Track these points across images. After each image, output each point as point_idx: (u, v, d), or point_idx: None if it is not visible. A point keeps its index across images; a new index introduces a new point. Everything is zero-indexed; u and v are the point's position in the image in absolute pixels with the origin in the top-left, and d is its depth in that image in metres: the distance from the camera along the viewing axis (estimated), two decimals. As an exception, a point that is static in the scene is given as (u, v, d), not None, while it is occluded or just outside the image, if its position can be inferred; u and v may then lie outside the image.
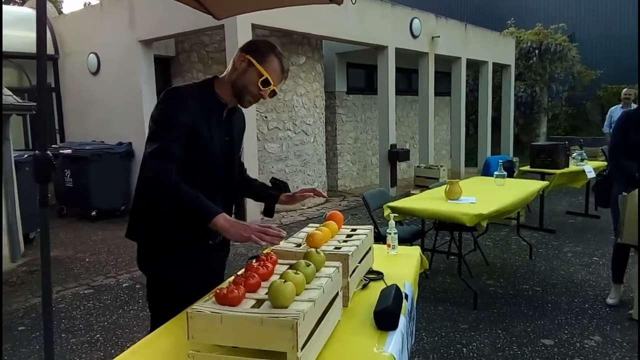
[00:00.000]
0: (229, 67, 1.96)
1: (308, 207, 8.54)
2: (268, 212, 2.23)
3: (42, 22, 1.96)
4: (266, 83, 1.89)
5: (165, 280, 1.93)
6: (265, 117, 7.95)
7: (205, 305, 1.32)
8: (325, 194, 2.21)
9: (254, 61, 1.88)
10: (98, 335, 3.75)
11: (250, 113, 6.94)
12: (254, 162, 7.05)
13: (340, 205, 8.89)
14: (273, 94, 1.95)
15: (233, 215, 2.07)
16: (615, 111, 8.03)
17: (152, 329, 1.91)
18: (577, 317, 3.85)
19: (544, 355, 3.29)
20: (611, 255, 4.20)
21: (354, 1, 3.88)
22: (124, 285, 4.84)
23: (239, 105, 2.02)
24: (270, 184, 2.27)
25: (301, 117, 8.42)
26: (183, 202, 1.73)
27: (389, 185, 9.30)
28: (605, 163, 7.15)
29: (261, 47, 1.94)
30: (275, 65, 1.92)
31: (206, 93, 1.91)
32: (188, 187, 1.75)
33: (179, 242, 1.88)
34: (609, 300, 4.09)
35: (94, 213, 7.51)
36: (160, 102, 1.84)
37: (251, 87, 1.90)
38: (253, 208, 6.73)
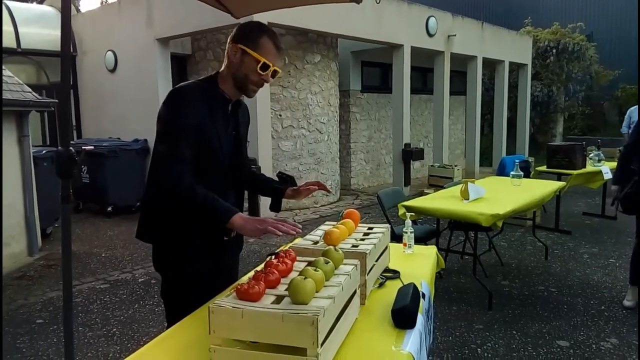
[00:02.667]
0: (225, 60, 1.93)
1: (322, 205, 8.55)
2: (275, 206, 2.24)
3: (66, 23, 1.99)
4: (265, 67, 1.86)
5: (181, 278, 1.92)
6: (280, 115, 7.97)
7: (227, 301, 1.33)
8: (329, 188, 2.19)
9: (247, 49, 1.85)
10: (114, 329, 3.80)
11: (264, 111, 6.97)
12: (268, 160, 7.08)
13: (353, 203, 8.89)
14: (275, 73, 1.92)
15: (246, 212, 2.09)
16: (634, 112, 7.91)
17: (168, 326, 1.91)
18: (593, 319, 3.81)
19: (560, 356, 3.26)
20: (629, 257, 4.15)
21: (378, 1, 3.86)
22: (139, 280, 4.90)
23: (244, 96, 2.00)
24: (277, 178, 2.27)
25: (315, 116, 8.43)
26: (199, 204, 1.73)
27: (402, 184, 9.28)
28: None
29: (250, 31, 1.89)
30: (269, 47, 1.88)
31: (211, 90, 1.90)
32: (202, 187, 1.75)
33: (194, 240, 1.88)
34: (626, 303, 4.04)
35: (110, 209, 7.60)
36: (166, 103, 1.82)
37: (252, 75, 1.87)
38: (267, 204, 6.75)
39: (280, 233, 1.68)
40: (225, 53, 1.93)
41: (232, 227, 1.74)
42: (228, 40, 1.91)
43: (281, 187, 2.20)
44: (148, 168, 1.95)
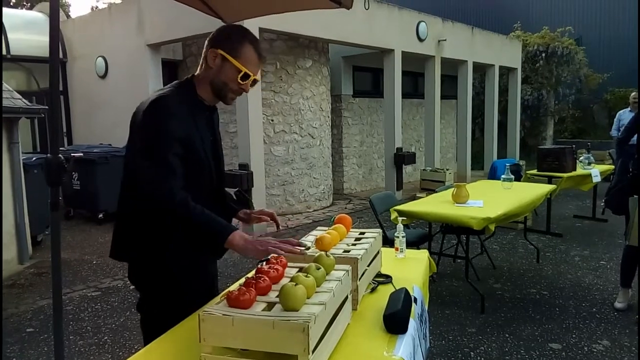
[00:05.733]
0: (201, 63, 1.81)
1: (314, 210, 8.55)
2: None
3: (55, 29, 1.98)
4: (246, 76, 1.77)
5: (162, 294, 1.82)
6: (272, 121, 7.97)
7: (217, 308, 1.33)
8: (280, 223, 2.11)
9: (228, 56, 1.74)
10: (106, 338, 3.77)
11: (256, 116, 6.97)
12: (260, 166, 7.07)
13: (346, 208, 8.90)
14: (254, 82, 1.83)
15: (239, 224, 2.02)
16: (624, 115, 7.97)
17: (144, 338, 1.84)
18: (585, 321, 3.83)
19: (552, 359, 3.27)
20: (619, 259, 4.18)
21: (367, 7, 3.86)
22: (131, 287, 4.85)
23: (221, 102, 1.89)
24: (235, 197, 2.13)
25: (307, 121, 8.44)
26: (195, 222, 1.64)
27: (394, 188, 9.30)
28: (613, 167, 7.13)
29: (231, 36, 1.78)
30: (250, 54, 1.77)
31: (190, 97, 1.79)
32: (196, 205, 1.65)
33: (181, 258, 1.78)
34: (617, 305, 4.07)
35: (101, 215, 7.55)
36: (149, 115, 1.68)
37: (231, 83, 1.77)
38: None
39: (283, 253, 1.62)
40: (203, 56, 1.81)
41: (230, 246, 1.64)
42: (206, 42, 1.80)
43: (235, 207, 2.06)
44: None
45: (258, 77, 1.84)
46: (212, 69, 1.78)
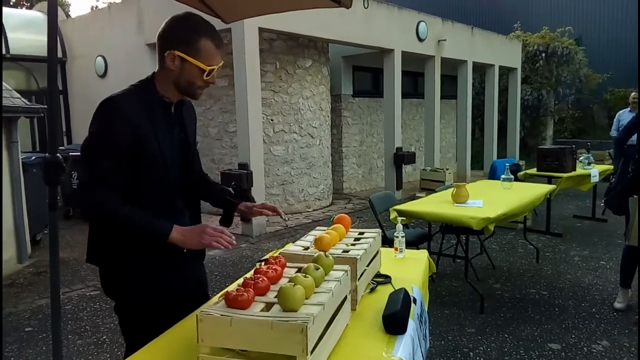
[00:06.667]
0: (158, 61, 1.75)
1: (314, 210, 8.55)
2: (225, 220, 2.01)
3: (53, 27, 1.97)
4: (211, 72, 1.71)
5: (139, 299, 1.77)
6: (271, 120, 7.97)
7: (215, 308, 1.32)
8: (284, 216, 2.06)
9: (185, 56, 1.67)
10: (104, 337, 3.76)
11: (256, 116, 6.97)
12: (260, 165, 7.06)
13: (345, 208, 8.89)
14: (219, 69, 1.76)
15: (218, 218, 1.98)
16: (623, 115, 7.97)
17: (128, 349, 1.79)
18: (585, 322, 3.83)
19: (552, 359, 3.27)
20: (619, 259, 4.18)
21: (366, 5, 3.84)
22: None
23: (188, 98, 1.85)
24: (232, 191, 2.08)
25: (307, 120, 8.43)
26: (130, 227, 1.64)
27: (394, 188, 9.29)
28: (612, 167, 7.13)
29: (184, 33, 1.69)
30: (209, 48, 1.69)
31: (147, 95, 1.73)
32: (130, 210, 1.63)
33: (147, 258, 1.73)
34: (617, 305, 4.06)
35: (100, 215, 7.54)
36: (95, 118, 1.64)
37: (197, 81, 1.72)
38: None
39: (222, 247, 1.63)
40: (157, 53, 1.75)
41: (172, 242, 1.64)
42: (157, 39, 1.73)
43: (233, 201, 2.01)
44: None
45: (220, 65, 1.75)
46: (173, 71, 1.71)
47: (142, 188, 1.71)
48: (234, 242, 1.67)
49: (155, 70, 1.78)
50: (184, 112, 1.89)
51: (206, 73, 1.70)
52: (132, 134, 1.63)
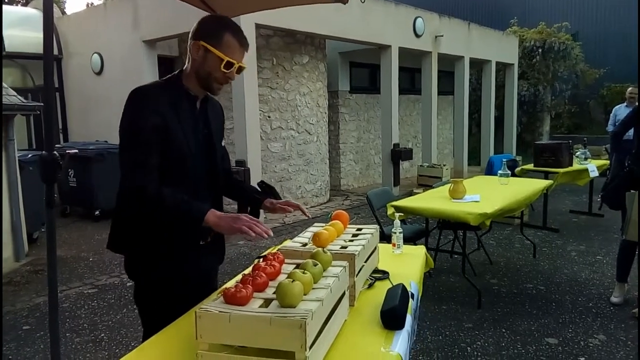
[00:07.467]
0: (188, 57, 1.86)
1: (311, 206, 8.55)
2: (253, 216, 2.10)
3: (49, 24, 1.97)
4: (229, 65, 1.79)
5: (151, 284, 1.87)
6: (269, 117, 7.96)
7: (214, 305, 1.32)
8: (308, 213, 2.10)
9: (209, 47, 1.77)
10: (102, 335, 3.76)
11: (253, 112, 6.96)
12: (257, 162, 7.06)
13: (343, 204, 8.90)
14: (240, 70, 1.85)
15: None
16: (620, 110, 7.99)
17: (145, 333, 1.89)
18: (581, 316, 3.85)
19: (549, 353, 3.29)
20: (616, 254, 4.20)
21: (363, 0, 3.83)
22: (127, 284, 4.85)
23: (209, 94, 1.93)
24: (258, 188, 2.18)
25: (304, 117, 8.42)
26: (168, 206, 1.69)
27: (391, 184, 9.30)
28: (609, 162, 7.15)
29: (212, 27, 1.80)
30: (232, 43, 1.79)
31: (174, 88, 1.83)
32: (170, 191, 1.70)
33: (163, 249, 1.82)
34: (613, 299, 4.08)
35: (97, 213, 7.53)
36: (126, 107, 1.74)
37: (215, 73, 1.80)
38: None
39: (254, 234, 1.64)
40: (187, 50, 1.85)
41: (207, 224, 1.69)
42: (190, 35, 1.83)
43: (259, 198, 2.11)
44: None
45: (244, 64, 1.85)
46: (196, 61, 1.81)
47: (167, 177, 1.76)
48: (271, 233, 1.70)
49: (183, 67, 1.88)
50: (208, 109, 1.96)
51: (224, 64, 1.77)
52: (160, 121, 1.72)
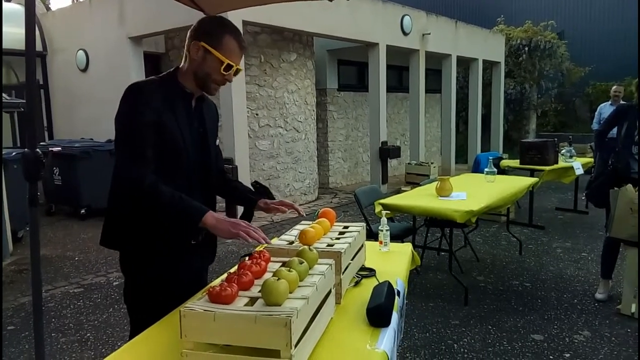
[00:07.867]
0: (184, 55, 1.85)
1: (299, 204, 8.51)
2: (246, 216, 2.11)
3: (30, 19, 1.94)
4: (228, 67, 1.80)
5: (144, 282, 1.87)
6: (257, 114, 7.93)
7: (198, 304, 1.31)
8: (302, 211, 2.11)
9: (209, 48, 1.77)
10: (88, 334, 3.73)
11: (240, 110, 6.93)
12: (245, 160, 7.04)
13: (331, 202, 8.90)
14: (237, 72, 1.85)
15: (224, 213, 2.04)
16: (605, 108, 8.10)
17: (132, 332, 1.87)
18: (567, 312, 3.89)
19: (534, 350, 3.32)
20: (600, 251, 4.25)
21: (348, -2, 3.85)
22: (114, 283, 4.81)
23: (205, 93, 1.92)
24: (252, 188, 2.18)
25: (292, 114, 8.41)
26: (165, 205, 1.68)
27: (380, 182, 9.32)
28: (593, 159, 7.23)
29: (212, 28, 1.81)
30: (232, 46, 1.80)
31: (170, 85, 1.82)
32: (167, 187, 1.69)
33: (158, 246, 1.82)
34: (598, 296, 4.13)
35: (83, 211, 7.44)
36: (122, 101, 1.75)
37: (214, 74, 1.80)
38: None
39: (251, 240, 1.65)
40: (185, 48, 1.84)
41: (204, 226, 1.68)
42: (188, 34, 1.83)
43: (254, 198, 2.10)
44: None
45: (241, 66, 1.87)
46: (195, 61, 1.81)
47: (161, 172, 1.75)
48: (268, 240, 1.71)
49: (180, 65, 1.87)
50: (204, 108, 1.96)
51: (224, 67, 1.78)
52: (155, 116, 1.73)
